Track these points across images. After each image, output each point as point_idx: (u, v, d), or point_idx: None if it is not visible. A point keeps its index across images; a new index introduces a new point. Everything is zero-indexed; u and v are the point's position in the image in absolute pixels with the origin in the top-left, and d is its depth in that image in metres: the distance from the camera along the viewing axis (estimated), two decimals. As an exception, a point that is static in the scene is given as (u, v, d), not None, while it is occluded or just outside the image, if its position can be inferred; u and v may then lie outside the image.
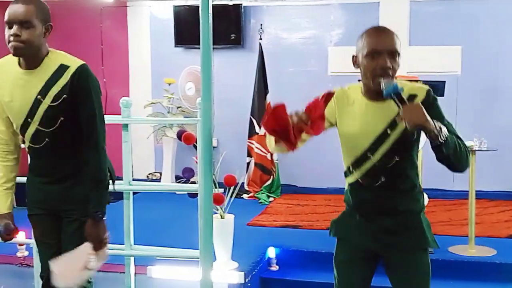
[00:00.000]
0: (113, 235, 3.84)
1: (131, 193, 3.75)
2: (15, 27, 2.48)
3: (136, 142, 6.88)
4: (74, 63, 2.57)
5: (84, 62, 2.60)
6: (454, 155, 2.18)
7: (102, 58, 7.46)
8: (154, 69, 7.45)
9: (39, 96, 2.55)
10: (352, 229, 2.46)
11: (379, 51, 2.26)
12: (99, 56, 7.44)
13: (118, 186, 3.89)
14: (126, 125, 3.70)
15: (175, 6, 7.14)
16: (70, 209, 2.66)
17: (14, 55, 2.53)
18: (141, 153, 7.27)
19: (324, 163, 6.78)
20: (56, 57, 2.59)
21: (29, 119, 2.58)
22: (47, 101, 2.55)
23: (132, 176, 3.89)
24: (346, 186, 2.50)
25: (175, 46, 7.22)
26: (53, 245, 2.73)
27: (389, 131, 2.30)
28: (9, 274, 4.29)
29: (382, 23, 6.71)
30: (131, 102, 3.75)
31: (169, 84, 6.83)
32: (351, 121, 2.37)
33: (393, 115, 2.26)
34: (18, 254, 4.29)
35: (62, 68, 2.56)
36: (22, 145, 2.76)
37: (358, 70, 2.36)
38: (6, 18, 2.49)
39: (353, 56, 2.38)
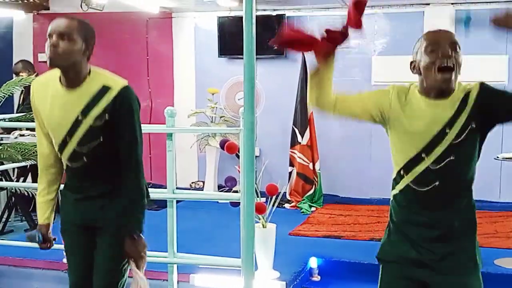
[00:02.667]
0: (156, 242, 3.90)
1: (174, 201, 3.80)
2: (54, 37, 2.49)
3: (179, 151, 6.94)
4: (116, 84, 2.56)
5: (126, 84, 2.58)
6: None
7: (148, 69, 7.58)
8: (198, 79, 7.53)
9: (80, 116, 2.55)
10: (396, 252, 2.34)
11: (438, 42, 2.21)
12: (145, 67, 7.56)
13: (162, 194, 3.95)
14: (170, 134, 3.76)
15: (219, 17, 7.21)
16: (102, 225, 2.69)
17: (49, 66, 2.52)
18: (185, 162, 7.34)
19: (367, 173, 6.72)
20: (98, 78, 2.58)
21: (67, 138, 2.60)
22: (88, 122, 2.55)
23: (176, 185, 3.93)
24: (392, 197, 2.38)
25: (219, 56, 7.29)
26: (84, 260, 2.76)
27: (447, 130, 2.21)
28: (55, 280, 4.39)
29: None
30: (175, 112, 3.80)
31: (213, 94, 6.90)
32: (407, 120, 2.28)
33: (451, 113, 2.20)
34: (64, 261, 4.37)
35: (104, 89, 2.55)
36: None
37: (416, 77, 2.28)
38: (48, 31, 2.51)
39: (411, 63, 2.31)
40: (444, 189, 2.25)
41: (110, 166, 2.66)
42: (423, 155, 2.25)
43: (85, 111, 2.55)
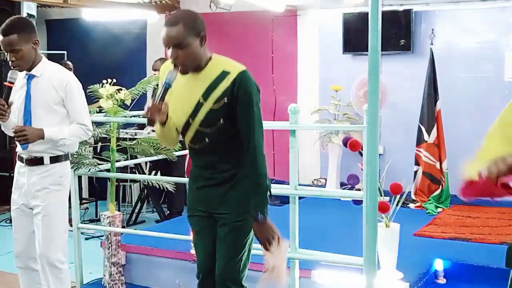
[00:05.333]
0: (279, 237, 3.96)
1: (296, 197, 3.83)
2: (172, 49, 2.63)
3: (302, 148, 6.99)
4: (235, 69, 2.67)
5: (245, 68, 2.68)
6: None
7: (272, 66, 7.68)
8: (321, 76, 7.53)
9: (201, 99, 2.69)
10: None
11: None
12: (270, 65, 7.67)
13: (285, 190, 4.00)
14: (293, 131, 3.80)
15: (344, 13, 7.17)
16: (224, 212, 2.78)
17: (182, 74, 2.68)
18: (307, 159, 7.37)
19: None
20: (219, 63, 2.71)
21: (190, 120, 2.73)
22: (208, 104, 2.68)
23: (298, 181, 3.97)
24: None
25: (343, 53, 7.25)
26: (208, 246, 2.86)
27: None
28: (182, 269, 4.58)
29: None
30: (298, 109, 3.84)
31: (336, 91, 6.87)
32: None
33: None
34: (192, 251, 4.55)
35: (224, 74, 2.67)
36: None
37: None
38: (162, 40, 2.64)
39: None
40: None
41: (231, 149, 2.74)
42: None
43: (206, 94, 2.68)
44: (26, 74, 3.49)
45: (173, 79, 2.65)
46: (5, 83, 3.42)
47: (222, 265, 2.80)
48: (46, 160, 3.51)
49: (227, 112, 2.68)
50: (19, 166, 3.59)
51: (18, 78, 3.51)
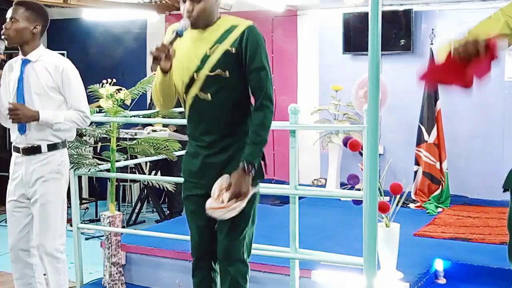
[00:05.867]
0: (279, 238, 3.98)
1: (296, 197, 3.83)
2: (188, 2, 2.69)
3: (302, 148, 6.99)
4: (244, 22, 2.76)
5: (252, 23, 2.76)
6: None
7: (272, 66, 7.65)
8: (321, 76, 7.53)
9: (208, 51, 2.72)
10: None
11: None
12: (270, 65, 7.66)
13: (285, 190, 4.00)
14: (293, 131, 3.80)
15: (344, 13, 7.17)
16: None
17: (192, 28, 2.73)
18: (307, 159, 7.37)
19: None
20: (228, 19, 2.79)
21: (195, 75, 2.74)
22: (216, 55, 2.72)
23: (298, 181, 3.97)
24: None
25: (343, 53, 7.25)
26: (204, 227, 2.83)
27: None
28: (184, 270, 4.58)
29: None
30: (298, 109, 3.84)
31: (336, 91, 6.87)
32: None
33: None
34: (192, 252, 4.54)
35: (233, 27, 2.74)
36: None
37: None
38: None
39: None
40: None
41: (232, 116, 2.75)
42: None
43: (214, 47, 2.73)
44: (22, 59, 3.47)
45: (185, 29, 2.68)
46: None
47: (225, 245, 2.78)
48: (44, 148, 3.45)
49: (234, 65, 2.71)
50: (15, 157, 3.52)
51: (14, 63, 3.49)
